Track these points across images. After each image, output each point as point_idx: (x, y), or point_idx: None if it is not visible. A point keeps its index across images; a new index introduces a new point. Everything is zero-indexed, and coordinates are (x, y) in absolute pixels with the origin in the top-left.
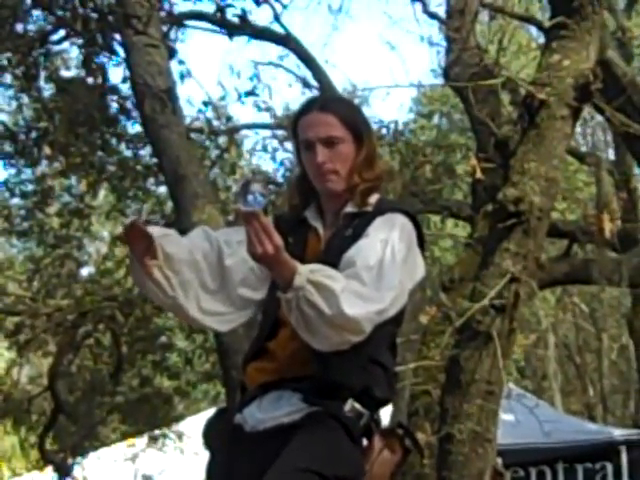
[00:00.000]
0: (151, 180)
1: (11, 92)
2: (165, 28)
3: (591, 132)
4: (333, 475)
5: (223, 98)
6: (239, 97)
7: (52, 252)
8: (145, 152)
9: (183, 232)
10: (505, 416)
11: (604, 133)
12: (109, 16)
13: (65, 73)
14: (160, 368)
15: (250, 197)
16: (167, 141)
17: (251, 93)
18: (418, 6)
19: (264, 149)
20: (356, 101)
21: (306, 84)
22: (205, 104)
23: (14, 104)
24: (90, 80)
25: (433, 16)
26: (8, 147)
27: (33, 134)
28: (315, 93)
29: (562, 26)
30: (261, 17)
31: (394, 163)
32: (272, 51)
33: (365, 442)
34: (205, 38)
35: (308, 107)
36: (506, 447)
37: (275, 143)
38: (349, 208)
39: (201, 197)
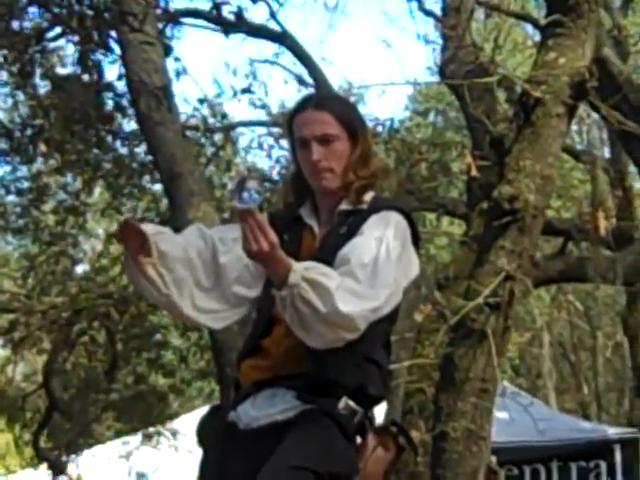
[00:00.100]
0: (146, 178)
1: (7, 89)
2: (161, 25)
3: (587, 130)
4: (327, 472)
5: (219, 95)
6: (235, 94)
7: (47, 249)
8: (140, 150)
9: (178, 230)
10: (499, 414)
11: (600, 131)
12: (105, 13)
13: (61, 70)
14: (155, 366)
15: (245, 194)
16: (162, 138)
17: (247, 90)
18: (414, 4)
19: (260, 147)
20: (352, 99)
21: (302, 82)
22: (201, 101)
23: (10, 101)
24: (86, 77)
25: (429, 14)
26: (3, 144)
27: (29, 131)
28: (311, 91)
29: (558, 24)
30: (257, 15)
31: (389, 161)
32: (268, 49)
33: (359, 440)
34: (201, 36)
35: (303, 105)
36: (500, 445)
37: (271, 140)
38: (344, 206)
39: (196, 195)
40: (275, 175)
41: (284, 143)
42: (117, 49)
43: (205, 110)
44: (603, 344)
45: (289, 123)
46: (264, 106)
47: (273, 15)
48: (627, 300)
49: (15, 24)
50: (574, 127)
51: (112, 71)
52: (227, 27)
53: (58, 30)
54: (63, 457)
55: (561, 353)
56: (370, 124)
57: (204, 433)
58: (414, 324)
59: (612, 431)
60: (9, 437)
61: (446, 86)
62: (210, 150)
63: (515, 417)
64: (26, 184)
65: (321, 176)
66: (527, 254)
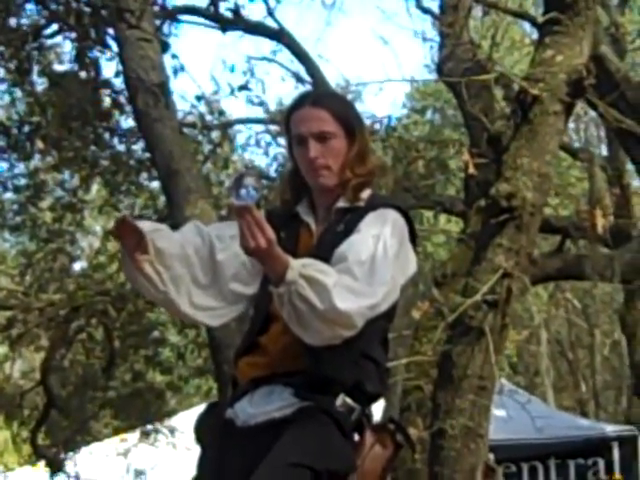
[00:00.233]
0: (144, 175)
1: (4, 86)
2: (158, 22)
3: (584, 128)
4: (325, 469)
5: (216, 93)
6: (232, 92)
7: (45, 246)
8: (138, 147)
9: (176, 227)
10: (497, 412)
11: (597, 129)
12: (102, 10)
13: (58, 67)
14: (152, 363)
15: (243, 191)
16: (160, 136)
17: (244, 88)
18: (411, 1)
19: (257, 144)
20: (349, 96)
21: (299, 79)
22: (198, 99)
23: (7, 98)
24: (83, 74)
25: (426, 11)
26: (1, 141)
27: (26, 128)
28: (308, 88)
29: (555, 22)
30: (254, 12)
31: (387, 158)
32: (265, 46)
33: (357, 437)
34: (198, 32)
35: (300, 102)
36: (498, 443)
37: (268, 138)
38: (341, 203)
39: (194, 192)
40: (272, 172)
41: (281, 140)
42: (114, 46)
43: (202, 107)
44: (601, 342)
45: (286, 120)
46: (261, 103)
47: (270, 12)
48: (625, 298)
49: (12, 21)
50: (571, 125)
51: (109, 68)
52: (224, 24)
53: (55, 27)
54: (61, 454)
55: (559, 351)
56: (367, 121)
57: (202, 430)
58: (412, 321)
59: (610, 429)
60: (7, 434)
61: (444, 84)
62: (207, 147)
63: (513, 415)
64: (23, 181)
65: (318, 173)
66: (525, 252)
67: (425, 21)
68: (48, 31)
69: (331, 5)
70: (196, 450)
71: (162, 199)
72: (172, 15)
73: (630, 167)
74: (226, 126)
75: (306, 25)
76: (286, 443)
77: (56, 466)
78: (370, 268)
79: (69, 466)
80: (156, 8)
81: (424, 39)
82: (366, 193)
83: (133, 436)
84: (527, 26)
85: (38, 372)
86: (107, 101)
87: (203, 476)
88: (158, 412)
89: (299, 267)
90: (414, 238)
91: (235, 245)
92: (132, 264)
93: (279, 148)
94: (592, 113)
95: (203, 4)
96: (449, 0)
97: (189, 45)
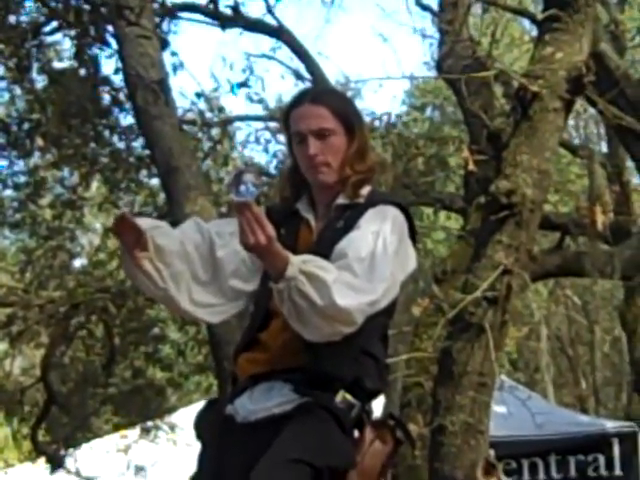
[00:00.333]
0: (144, 172)
1: (4, 83)
2: (158, 19)
3: (584, 125)
4: (324, 466)
5: (216, 90)
6: (232, 89)
7: (44, 244)
8: (138, 144)
9: (175, 224)
10: (497, 408)
11: (597, 126)
12: (102, 7)
13: (58, 64)
14: (153, 360)
15: (242, 187)
16: (160, 133)
17: (244, 85)
18: None
19: (257, 141)
20: (349, 93)
21: (299, 76)
22: (198, 96)
23: (7, 96)
24: (83, 71)
25: (426, 8)
26: (1, 139)
27: (26, 125)
28: (308, 85)
29: (555, 19)
30: (254, 9)
31: (386, 155)
32: (265, 43)
33: (356, 433)
34: (198, 30)
35: (300, 99)
36: (498, 439)
37: (268, 135)
38: (341, 200)
39: (193, 189)
40: (272, 169)
41: (281, 137)
42: (114, 43)
43: (202, 104)
44: (601, 338)
45: (286, 117)
46: (261, 100)
47: (270, 9)
48: (625, 294)
49: (12, 18)
50: (571, 122)
51: (109, 65)
52: (224, 21)
53: (55, 24)
54: (61, 451)
55: (559, 347)
56: (367, 118)
57: (202, 427)
58: (412, 318)
59: (610, 425)
60: (7, 431)
61: (443, 81)
62: (207, 144)
63: (513, 411)
64: (23, 178)
65: (318, 170)
66: (524, 248)
67: (425, 18)
68: (47, 28)
69: (330, 2)
70: (196, 447)
71: (162, 196)
72: (172, 12)
73: (630, 164)
74: (226, 123)
75: (306, 22)
76: (286, 439)
77: (56, 462)
78: (370, 264)
79: (69, 462)
80: (155, 5)
81: (423, 36)
82: (366, 190)
83: (133, 433)
84: (527, 23)
85: (38, 369)
86: (107, 98)
87: (203, 472)
88: (158, 409)
89: (299, 263)
90: (414, 235)
91: (235, 242)
92: (132, 261)
93: (279, 145)
94: (592, 110)
95: (203, 1)
96: None
97: (189, 42)
